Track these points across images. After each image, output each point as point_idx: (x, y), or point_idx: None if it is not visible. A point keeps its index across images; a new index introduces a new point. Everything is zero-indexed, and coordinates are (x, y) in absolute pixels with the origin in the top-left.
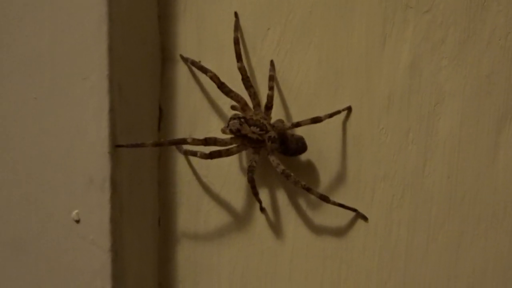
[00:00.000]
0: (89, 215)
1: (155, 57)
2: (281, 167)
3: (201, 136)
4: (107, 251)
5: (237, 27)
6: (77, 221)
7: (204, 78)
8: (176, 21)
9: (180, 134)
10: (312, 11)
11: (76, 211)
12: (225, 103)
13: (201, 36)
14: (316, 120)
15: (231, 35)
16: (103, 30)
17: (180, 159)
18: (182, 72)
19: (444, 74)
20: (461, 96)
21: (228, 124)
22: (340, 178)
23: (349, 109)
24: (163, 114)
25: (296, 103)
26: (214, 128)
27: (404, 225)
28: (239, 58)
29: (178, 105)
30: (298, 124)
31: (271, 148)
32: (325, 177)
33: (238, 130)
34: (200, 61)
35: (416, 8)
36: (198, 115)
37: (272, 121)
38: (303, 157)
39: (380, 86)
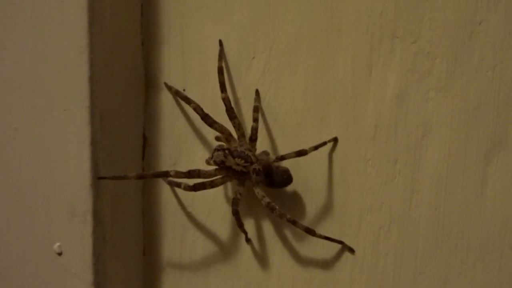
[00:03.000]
0: (72, 247)
1: (138, 84)
2: (266, 199)
3: (185, 166)
4: (90, 285)
5: (221, 56)
6: (59, 254)
7: (189, 107)
8: (160, 47)
9: (165, 162)
10: (297, 39)
11: (58, 243)
12: (210, 131)
13: (186, 62)
14: (301, 153)
15: (216, 62)
16: (83, 58)
17: (165, 189)
18: (166, 99)
19: (431, 105)
20: (449, 128)
21: (213, 156)
22: (326, 210)
23: (335, 140)
24: (148, 142)
25: (281, 133)
26: (199, 157)
27: (391, 257)
28: (223, 88)
29: (163, 133)
30: (283, 158)
31: (256, 181)
32: (311, 209)
33: (223, 162)
34: (184, 90)
35: (402, 38)
36: (183, 143)
37: (257, 152)
38: (289, 188)
39: (366, 116)
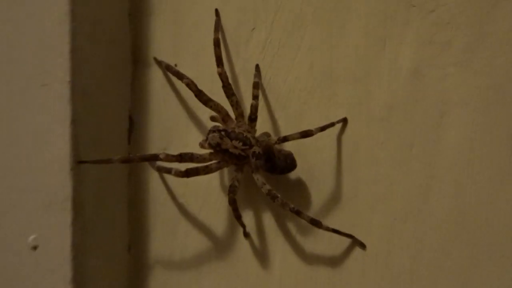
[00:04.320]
0: (49, 240)
1: (125, 60)
2: (267, 187)
3: (177, 150)
4: (68, 282)
5: (217, 27)
6: (35, 248)
7: (181, 84)
8: (149, 19)
9: (153, 148)
10: (302, 9)
11: (33, 236)
12: (204, 112)
13: (178, 35)
14: (306, 134)
15: (211, 34)
16: (65, 29)
17: (153, 176)
18: (156, 77)
19: (451, 81)
20: (470, 107)
21: (207, 138)
22: (334, 200)
23: (344, 121)
24: (134, 124)
25: (284, 114)
26: (192, 141)
27: (407, 252)
28: (219, 62)
29: (151, 115)
30: (285, 139)
31: (256, 166)
32: (317, 198)
33: (218, 145)
34: (176, 65)
35: (419, 6)
36: (174, 126)
37: (257, 134)
38: (293, 175)
39: (379, 95)
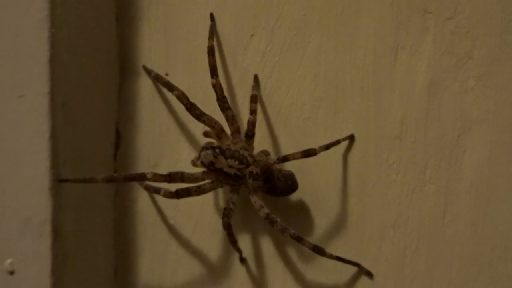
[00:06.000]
0: (26, 265)
1: (111, 68)
2: (265, 210)
3: (167, 168)
4: None
5: (212, 33)
6: (11, 273)
7: (173, 95)
8: (138, 24)
9: (141, 164)
10: (307, 14)
11: (9, 260)
12: (198, 125)
13: (170, 42)
14: (309, 153)
15: (205, 41)
16: (43, 34)
17: (142, 196)
18: (145, 87)
19: (471, 96)
20: (491, 125)
21: (200, 155)
22: (339, 225)
23: (351, 138)
24: (121, 139)
25: (285, 130)
26: (185, 157)
27: (418, 283)
28: (213, 72)
29: (140, 128)
30: (286, 159)
31: (253, 187)
32: (321, 223)
33: (212, 163)
34: (167, 74)
35: (436, 13)
36: (165, 140)
37: (255, 151)
38: (294, 197)
39: (390, 110)
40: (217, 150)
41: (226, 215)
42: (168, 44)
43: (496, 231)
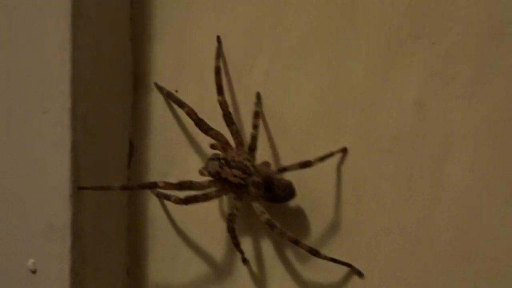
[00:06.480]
0: (47, 265)
1: (126, 85)
2: (266, 216)
3: (178, 177)
4: None
5: (219, 55)
6: (34, 272)
7: (182, 110)
8: (151, 44)
9: (153, 173)
10: (307, 37)
11: (32, 260)
12: (206, 138)
13: (180, 61)
14: (305, 164)
15: (213, 61)
16: (65, 55)
17: (153, 202)
18: (157, 102)
19: (456, 114)
20: (475, 140)
21: (207, 166)
22: (334, 230)
23: (343, 151)
24: (134, 150)
25: (285, 143)
26: (193, 167)
27: (407, 286)
28: (220, 91)
29: (152, 140)
30: (285, 169)
31: (255, 195)
32: (317, 228)
33: (218, 173)
34: (177, 91)
35: (424, 38)
36: (175, 151)
37: (257, 162)
38: (293, 203)
39: (384, 126)
40: (222, 161)
41: (230, 220)
42: (178, 63)
43: (480, 237)
